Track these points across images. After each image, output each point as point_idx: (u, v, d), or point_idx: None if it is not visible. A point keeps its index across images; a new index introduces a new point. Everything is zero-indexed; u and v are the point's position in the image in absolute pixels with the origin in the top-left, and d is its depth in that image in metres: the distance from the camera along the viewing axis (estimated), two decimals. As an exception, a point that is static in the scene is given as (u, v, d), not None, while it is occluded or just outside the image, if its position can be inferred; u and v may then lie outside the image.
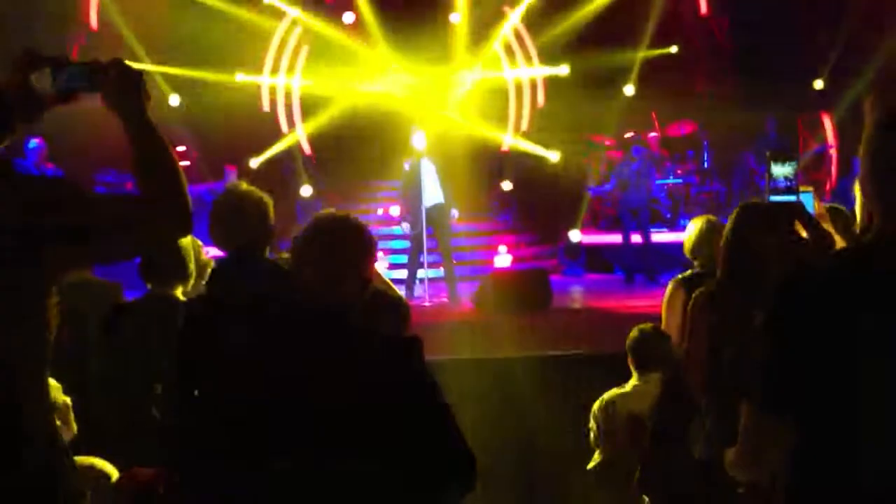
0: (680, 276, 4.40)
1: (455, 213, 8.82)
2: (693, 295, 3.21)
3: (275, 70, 12.67)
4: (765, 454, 1.66)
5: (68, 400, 3.06)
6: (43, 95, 1.75)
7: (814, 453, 1.55)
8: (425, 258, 8.79)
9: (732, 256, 2.97)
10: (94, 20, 11.97)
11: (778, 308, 1.57)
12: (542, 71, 12.84)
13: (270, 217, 2.99)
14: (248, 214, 2.92)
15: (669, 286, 4.28)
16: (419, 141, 8.59)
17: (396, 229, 9.75)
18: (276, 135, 12.75)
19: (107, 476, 2.57)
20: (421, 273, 8.91)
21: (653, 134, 11.38)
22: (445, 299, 8.64)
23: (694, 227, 4.32)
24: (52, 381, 2.40)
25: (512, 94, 13.02)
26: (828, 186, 11.82)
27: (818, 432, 1.54)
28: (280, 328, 2.15)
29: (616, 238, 11.26)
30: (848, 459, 1.51)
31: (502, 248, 10.21)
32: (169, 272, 3.31)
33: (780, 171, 2.31)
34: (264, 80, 12.56)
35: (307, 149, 12.72)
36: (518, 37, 12.97)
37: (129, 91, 1.74)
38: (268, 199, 3.00)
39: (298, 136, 12.76)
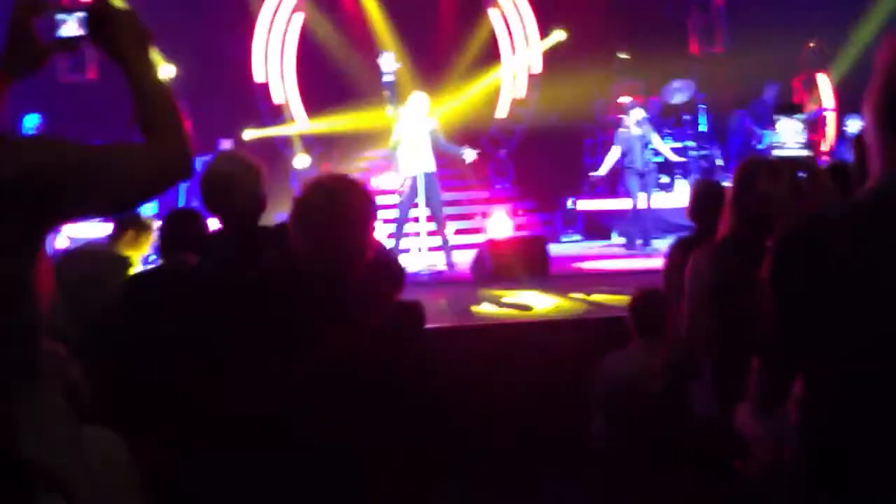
0: (678, 239, 4.41)
1: (470, 152, 8.64)
2: (693, 255, 3.20)
3: (267, 38, 12.54)
4: (777, 407, 1.64)
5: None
6: (45, 44, 1.70)
7: (830, 402, 1.53)
8: (423, 227, 8.74)
9: (740, 210, 2.95)
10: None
11: (785, 258, 1.54)
12: (538, 42, 12.73)
13: (262, 184, 2.95)
14: (239, 181, 2.88)
15: (668, 249, 4.30)
16: (418, 105, 8.44)
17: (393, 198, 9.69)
18: (271, 105, 12.67)
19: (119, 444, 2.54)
20: (414, 242, 8.87)
21: (651, 98, 11.28)
22: (442, 268, 8.60)
23: (693, 190, 4.32)
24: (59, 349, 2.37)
25: (507, 60, 12.92)
26: (824, 148, 11.77)
27: (834, 382, 1.52)
28: (277, 297, 2.12)
29: (613, 204, 11.23)
30: (868, 406, 1.48)
31: (499, 214, 10.15)
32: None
33: (788, 124, 2.27)
34: (257, 55, 12.44)
35: (303, 120, 12.64)
36: (514, 4, 12.84)
37: (134, 42, 1.69)
38: (258, 166, 2.96)
39: (293, 107, 12.67)
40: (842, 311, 1.47)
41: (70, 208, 1.60)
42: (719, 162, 11.80)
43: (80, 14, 1.69)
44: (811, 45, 12.17)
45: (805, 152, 2.20)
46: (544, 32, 12.83)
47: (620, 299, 5.66)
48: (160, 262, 3.49)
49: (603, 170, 10.34)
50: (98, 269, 3.68)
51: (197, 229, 3.38)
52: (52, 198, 1.52)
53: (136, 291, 2.97)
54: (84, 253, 4.03)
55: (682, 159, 11.06)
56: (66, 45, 1.71)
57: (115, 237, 4.18)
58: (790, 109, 2.35)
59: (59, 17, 1.69)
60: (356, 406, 1.96)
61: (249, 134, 12.15)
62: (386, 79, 8.16)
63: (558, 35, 12.49)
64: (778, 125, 2.23)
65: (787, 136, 2.25)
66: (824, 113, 11.60)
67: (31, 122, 8.91)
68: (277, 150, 12.49)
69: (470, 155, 8.64)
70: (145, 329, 2.70)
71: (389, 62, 8.10)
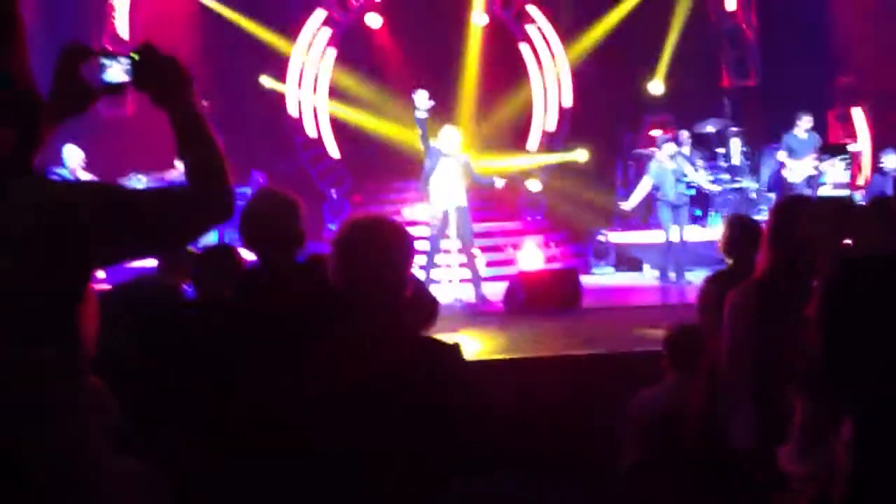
0: (713, 273, 4.38)
1: (500, 181, 8.73)
2: (732, 290, 3.17)
3: (301, 74, 12.72)
4: (822, 445, 1.62)
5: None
6: (91, 88, 1.74)
7: (878, 440, 1.50)
8: (454, 259, 8.75)
9: (781, 248, 2.93)
10: (122, 29, 12.10)
11: (833, 299, 1.53)
12: (568, 72, 12.79)
13: (301, 221, 2.97)
14: (278, 216, 2.91)
15: (703, 284, 4.27)
16: (450, 139, 8.49)
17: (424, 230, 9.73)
18: (303, 136, 12.82)
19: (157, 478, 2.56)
20: (446, 274, 8.87)
21: (683, 132, 11.26)
22: (473, 300, 8.59)
23: (727, 224, 4.30)
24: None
25: (539, 95, 12.98)
26: (860, 182, 11.66)
27: (880, 419, 1.49)
28: (315, 337, 2.13)
29: (645, 236, 11.17)
30: None
31: (530, 245, 10.14)
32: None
33: (833, 165, 2.27)
34: (290, 88, 12.61)
35: (335, 153, 12.77)
36: (544, 37, 12.93)
37: (177, 86, 1.72)
38: (297, 202, 2.98)
39: (325, 139, 12.81)
40: (888, 353, 1.45)
41: (118, 251, 1.63)
42: (753, 195, 11.71)
43: (125, 60, 1.73)
44: (844, 79, 12.11)
45: (846, 192, 2.20)
46: (574, 68, 12.88)
47: (654, 333, 5.61)
48: (196, 295, 3.52)
49: (632, 202, 10.29)
50: (147, 297, 3.72)
51: (232, 263, 3.41)
52: (102, 240, 1.55)
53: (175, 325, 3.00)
54: (134, 284, 4.08)
55: (718, 188, 10.99)
56: (112, 90, 1.76)
57: (163, 267, 4.22)
58: (834, 150, 2.35)
59: (105, 61, 1.73)
60: (396, 440, 1.96)
61: (266, 81, 12.25)
62: (419, 115, 8.23)
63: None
64: (822, 166, 2.23)
65: (831, 177, 2.24)
66: (858, 148, 11.50)
67: (73, 155, 9.00)
68: (310, 180, 12.61)
69: (500, 182, 8.78)
70: (182, 359, 2.72)
71: (423, 100, 8.17)
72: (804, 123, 10.73)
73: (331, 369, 2.03)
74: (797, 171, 10.52)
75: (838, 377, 1.55)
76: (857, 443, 1.56)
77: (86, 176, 8.75)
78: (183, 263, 4.15)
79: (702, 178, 10.45)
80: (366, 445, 1.97)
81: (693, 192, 10.72)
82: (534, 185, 12.39)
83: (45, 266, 1.50)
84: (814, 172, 9.47)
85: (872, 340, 1.49)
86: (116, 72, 1.74)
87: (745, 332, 2.99)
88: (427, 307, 2.93)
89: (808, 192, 9.70)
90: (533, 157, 12.81)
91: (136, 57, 1.73)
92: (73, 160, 8.93)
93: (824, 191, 2.56)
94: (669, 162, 9.88)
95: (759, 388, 2.89)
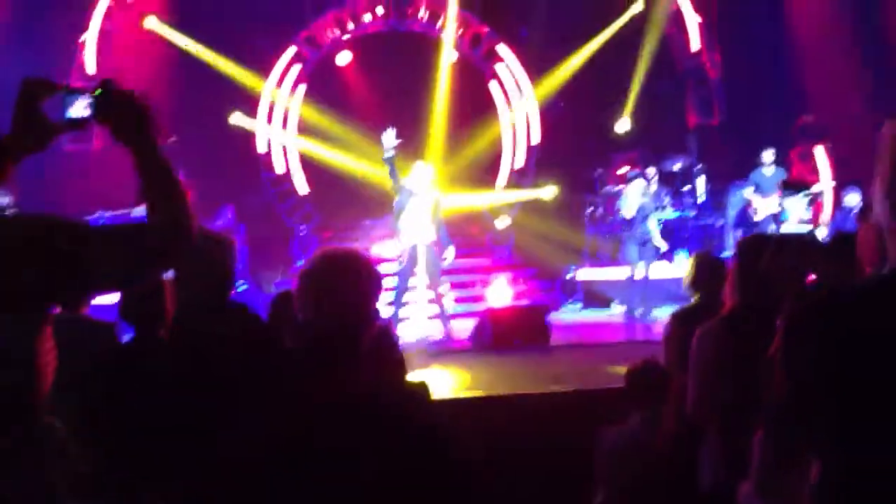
0: (678, 311, 4.40)
1: (452, 252, 8.67)
2: (697, 328, 3.19)
3: (271, 111, 12.73)
4: (783, 485, 1.61)
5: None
6: (52, 124, 1.73)
7: (845, 483, 1.49)
8: (421, 296, 8.73)
9: (745, 287, 2.95)
10: (90, 65, 12.06)
11: (796, 336, 1.53)
12: (536, 109, 12.94)
13: (233, 259, 2.94)
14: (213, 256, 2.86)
15: (668, 320, 4.29)
16: (420, 176, 8.52)
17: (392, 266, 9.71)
18: (272, 173, 12.80)
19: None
20: (413, 311, 8.85)
21: (650, 168, 11.40)
22: (440, 337, 8.56)
23: (693, 261, 4.33)
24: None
25: (508, 133, 13.09)
26: (823, 219, 11.85)
27: (844, 462, 1.49)
28: (284, 369, 2.11)
29: (613, 273, 11.23)
30: (880, 488, 1.45)
31: (499, 282, 10.15)
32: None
33: (794, 202, 2.32)
34: (260, 126, 12.62)
35: (304, 189, 12.75)
36: (513, 76, 13.07)
37: (138, 123, 1.72)
38: (230, 242, 2.96)
39: (294, 176, 12.81)
40: (852, 392, 1.45)
41: (76, 288, 1.61)
42: (718, 232, 11.86)
43: (87, 96, 1.72)
44: (806, 118, 12.36)
45: (807, 228, 2.24)
46: (542, 106, 13.03)
47: (621, 370, 5.62)
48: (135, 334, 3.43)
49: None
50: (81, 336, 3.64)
51: (164, 302, 3.33)
52: (62, 277, 1.53)
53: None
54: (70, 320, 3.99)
55: (663, 245, 10.88)
56: (74, 126, 1.74)
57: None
58: (796, 186, 2.41)
59: (66, 97, 1.72)
60: (361, 479, 1.94)
61: (236, 119, 12.24)
62: (387, 154, 8.27)
63: (549, 191, 12.57)
64: (785, 202, 2.30)
65: (794, 213, 2.30)
66: (820, 190, 11.71)
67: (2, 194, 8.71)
68: (278, 217, 12.58)
69: (451, 255, 8.64)
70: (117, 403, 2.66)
71: (390, 139, 8.23)
72: (767, 157, 10.91)
73: (288, 412, 2.00)
74: (763, 208, 10.68)
75: (802, 418, 1.55)
76: (823, 485, 1.56)
77: (12, 212, 8.51)
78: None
79: (654, 228, 10.36)
80: (333, 482, 1.94)
81: (660, 227, 10.81)
82: (502, 222, 12.45)
83: (3, 302, 1.47)
84: (777, 210, 9.61)
85: (835, 380, 1.49)
86: (78, 107, 1.73)
87: (710, 370, 3.00)
88: (395, 351, 2.91)
89: (772, 228, 9.83)
90: (501, 194, 12.89)
91: (98, 92, 1.72)
92: (2, 198, 8.67)
93: (787, 227, 2.62)
94: (638, 199, 9.96)
95: (726, 428, 2.89)
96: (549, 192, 12.49)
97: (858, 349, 1.46)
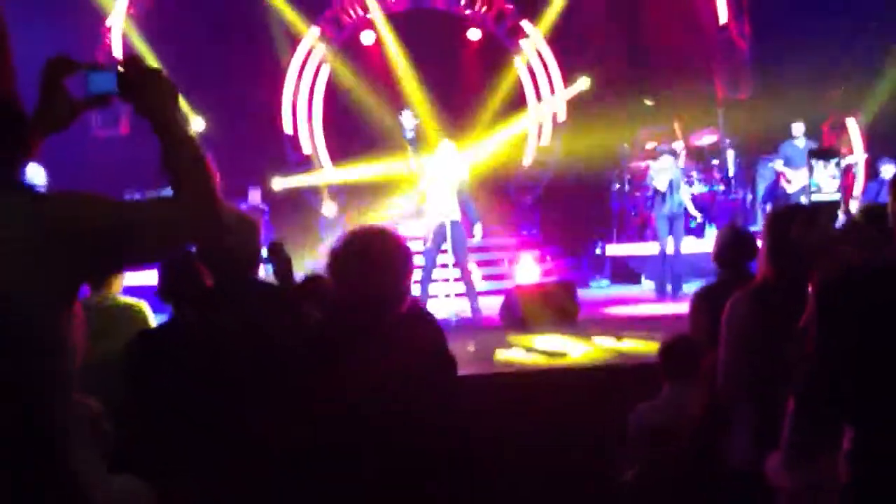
0: (702, 287, 4.35)
1: (479, 229, 8.68)
2: (721, 303, 3.16)
3: (296, 91, 12.76)
4: (815, 456, 1.60)
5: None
6: (76, 101, 1.74)
7: (878, 451, 1.48)
8: (450, 273, 8.74)
9: (776, 258, 2.92)
10: (117, 49, 12.14)
11: (828, 307, 1.51)
12: (563, 91, 12.85)
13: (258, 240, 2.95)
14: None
15: (692, 298, 4.23)
16: (446, 154, 8.50)
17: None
18: (298, 153, 12.84)
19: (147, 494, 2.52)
20: (442, 288, 8.86)
21: (678, 143, 11.28)
22: (468, 314, 8.57)
23: (720, 235, 4.27)
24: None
25: (532, 107, 13.02)
26: (856, 191, 11.69)
27: (882, 430, 1.48)
28: (314, 347, 2.12)
29: (641, 249, 11.17)
30: None
31: (526, 260, 10.12)
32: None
33: (823, 170, 2.28)
34: (286, 105, 12.64)
35: (329, 168, 12.78)
36: (538, 53, 12.98)
37: (163, 99, 1.72)
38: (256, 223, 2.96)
39: (320, 155, 12.84)
40: (883, 360, 1.44)
41: (105, 261, 1.62)
42: (748, 207, 11.74)
43: (111, 72, 1.73)
44: (839, 90, 12.16)
45: (838, 196, 2.20)
46: (569, 80, 12.94)
47: (651, 345, 5.59)
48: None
49: (661, 184, 9.85)
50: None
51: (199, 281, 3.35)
52: (91, 251, 1.54)
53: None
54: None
55: (698, 215, 10.88)
56: (98, 102, 1.75)
57: None
58: (825, 154, 2.35)
59: (90, 74, 1.73)
60: (385, 450, 1.95)
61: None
62: (408, 135, 8.27)
63: (583, 83, 12.61)
64: (815, 172, 2.25)
65: (823, 182, 2.24)
66: (854, 161, 11.54)
67: (37, 174, 8.83)
68: (305, 198, 12.62)
69: (478, 232, 8.67)
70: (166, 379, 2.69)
71: (409, 119, 8.23)
72: (797, 130, 10.77)
73: (322, 391, 2.02)
74: (795, 180, 10.55)
75: (835, 389, 1.53)
76: (857, 454, 1.54)
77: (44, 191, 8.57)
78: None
79: (687, 198, 10.35)
80: (363, 460, 1.96)
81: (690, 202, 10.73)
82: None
83: (35, 279, 1.49)
84: (807, 181, 9.50)
85: (870, 351, 1.48)
86: (101, 83, 1.73)
87: (741, 343, 2.97)
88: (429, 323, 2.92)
89: (802, 200, 9.70)
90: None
91: (121, 68, 1.73)
92: (37, 179, 8.79)
93: (817, 197, 2.57)
94: (666, 173, 9.85)
95: (758, 401, 2.87)
96: (583, 83, 12.47)
97: (887, 320, 1.45)
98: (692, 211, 10.45)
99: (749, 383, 2.94)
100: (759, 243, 3.29)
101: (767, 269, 2.98)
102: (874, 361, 1.48)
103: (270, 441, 2.08)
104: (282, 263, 3.59)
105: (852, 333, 1.50)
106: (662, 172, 9.78)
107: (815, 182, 2.22)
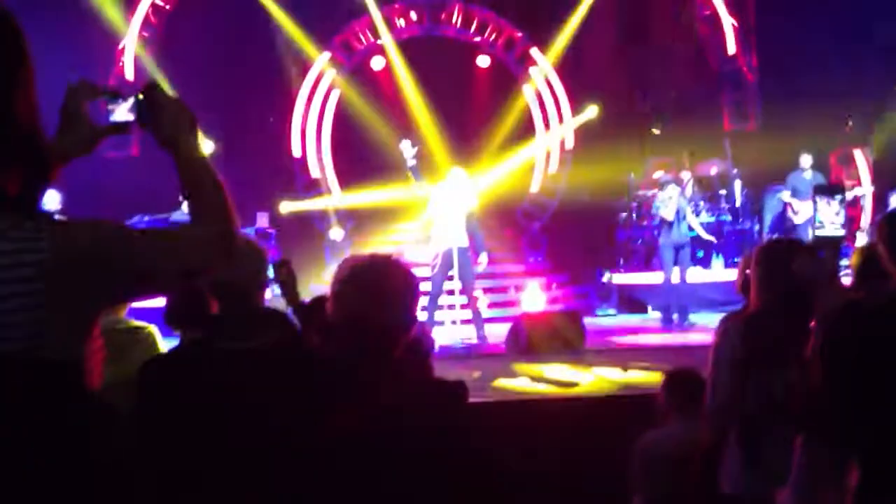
0: (729, 313, 4.31)
1: (485, 258, 8.70)
2: (719, 330, 3.18)
3: (306, 115, 12.84)
4: (822, 489, 1.59)
5: None
6: (96, 127, 1.75)
7: (885, 487, 1.48)
8: (456, 300, 8.74)
9: (772, 288, 2.93)
10: (129, 71, 12.24)
11: (837, 338, 1.51)
12: (571, 119, 12.92)
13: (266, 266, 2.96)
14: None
15: (719, 324, 4.20)
16: (455, 180, 8.53)
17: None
18: (307, 177, 12.89)
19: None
20: (448, 315, 8.85)
21: (685, 173, 11.30)
22: (474, 341, 8.55)
23: (743, 263, 4.26)
24: None
25: (540, 135, 13.07)
26: (863, 224, 11.68)
27: (887, 462, 1.47)
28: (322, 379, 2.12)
29: (648, 278, 11.15)
30: None
31: (533, 287, 10.12)
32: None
33: (827, 206, 2.28)
34: (295, 129, 12.72)
35: (337, 193, 12.83)
36: (547, 81, 13.05)
37: (181, 127, 1.73)
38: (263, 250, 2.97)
39: (328, 180, 12.88)
40: (888, 390, 1.43)
41: (126, 290, 1.63)
42: (756, 237, 11.73)
43: (131, 100, 1.74)
44: (847, 122, 12.18)
45: (842, 233, 2.20)
46: (577, 108, 13.00)
47: (657, 376, 5.57)
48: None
49: (668, 213, 9.81)
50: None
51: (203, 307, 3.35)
52: (109, 279, 1.54)
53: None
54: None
55: (712, 238, 10.97)
56: (118, 129, 1.77)
57: None
58: (830, 190, 2.35)
59: (111, 100, 1.75)
60: (398, 484, 1.93)
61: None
62: (409, 164, 8.35)
63: (591, 111, 12.67)
64: (819, 207, 2.24)
65: (827, 217, 2.25)
66: (862, 193, 11.54)
67: (50, 198, 8.83)
68: (312, 222, 12.66)
69: (484, 261, 8.69)
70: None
71: (408, 148, 8.31)
72: (805, 162, 10.79)
73: (332, 418, 2.01)
74: (802, 211, 10.55)
75: (843, 419, 1.53)
76: (864, 488, 1.54)
77: (62, 219, 8.57)
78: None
79: (698, 224, 10.41)
80: (371, 490, 1.95)
81: (695, 233, 10.73)
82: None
83: (54, 305, 1.49)
84: (812, 214, 9.50)
85: (877, 382, 1.47)
86: (122, 111, 1.75)
87: (733, 371, 2.99)
88: (421, 347, 2.91)
89: (809, 232, 9.70)
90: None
91: (141, 96, 1.74)
92: (51, 203, 8.83)
93: (820, 233, 2.57)
94: (675, 202, 9.85)
95: (748, 427, 2.88)
96: (591, 112, 12.56)
97: (888, 351, 1.45)
98: (704, 235, 10.48)
99: (740, 410, 2.94)
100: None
101: (760, 299, 2.99)
102: (879, 394, 1.48)
103: (283, 468, 2.07)
104: (287, 280, 3.59)
105: (858, 367, 1.50)
106: (669, 201, 9.79)
107: (819, 219, 2.23)
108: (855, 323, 1.53)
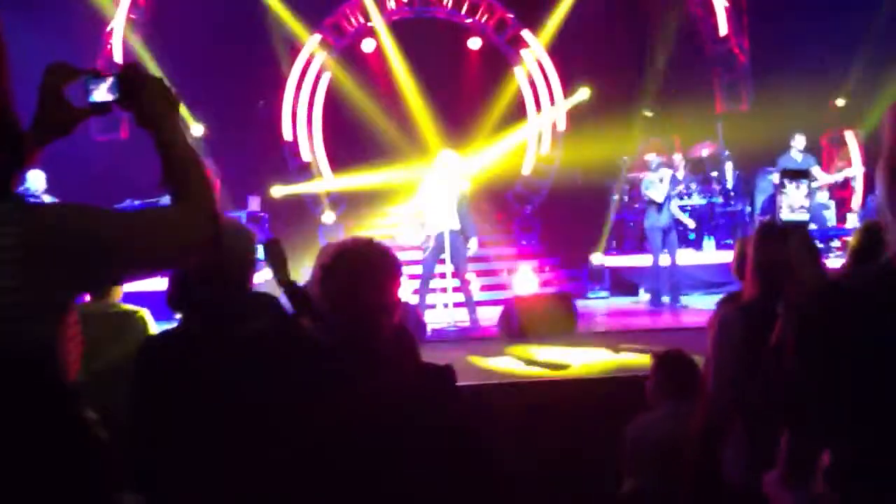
0: (726, 295, 4.31)
1: (475, 243, 8.66)
2: (716, 319, 3.16)
3: (296, 98, 12.78)
4: (806, 473, 1.59)
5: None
6: (76, 109, 1.73)
7: (866, 470, 1.47)
8: (448, 283, 8.74)
9: (761, 275, 2.93)
10: (118, 54, 12.15)
11: (804, 326, 1.49)
12: (563, 101, 12.89)
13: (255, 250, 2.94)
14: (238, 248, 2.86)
15: (717, 307, 4.20)
16: (448, 162, 8.51)
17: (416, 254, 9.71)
18: (298, 161, 12.85)
19: None
20: (440, 298, 8.85)
21: (677, 155, 11.29)
22: (466, 324, 8.56)
23: (738, 246, 4.26)
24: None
25: (532, 117, 13.04)
26: (854, 206, 11.71)
27: (868, 448, 1.46)
28: (305, 362, 2.11)
29: (640, 260, 11.17)
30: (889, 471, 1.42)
31: (525, 270, 10.12)
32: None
33: (794, 190, 2.28)
34: (286, 112, 12.67)
35: (329, 176, 12.79)
36: (538, 63, 13.01)
37: (162, 107, 1.71)
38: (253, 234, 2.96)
39: (320, 163, 12.84)
40: (863, 379, 1.42)
41: (102, 274, 1.61)
42: (747, 219, 11.76)
43: (111, 80, 1.72)
44: (836, 102, 12.19)
45: (804, 217, 2.20)
46: (569, 90, 12.97)
47: (649, 358, 5.59)
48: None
49: (658, 196, 9.82)
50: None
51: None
52: (83, 262, 1.52)
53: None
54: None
55: (693, 224, 10.96)
56: (97, 110, 1.74)
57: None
58: (797, 175, 2.34)
59: (90, 81, 1.72)
60: (394, 469, 1.94)
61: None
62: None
63: (583, 93, 12.65)
64: (787, 189, 2.24)
65: (793, 201, 2.25)
66: (853, 175, 11.56)
67: (36, 179, 8.80)
68: (305, 206, 12.62)
69: (474, 246, 8.64)
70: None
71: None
72: (798, 144, 10.79)
73: (320, 404, 2.01)
74: (791, 198, 10.55)
75: (814, 406, 1.52)
76: (835, 471, 1.53)
77: (49, 199, 8.60)
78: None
79: (680, 213, 10.43)
80: (371, 475, 1.95)
81: (686, 214, 10.74)
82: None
83: (24, 290, 1.48)
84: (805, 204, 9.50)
85: (849, 367, 1.46)
86: (101, 91, 1.73)
87: (734, 360, 2.97)
88: (408, 331, 2.91)
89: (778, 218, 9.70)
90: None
91: (121, 76, 1.72)
92: (37, 184, 8.79)
93: (786, 217, 2.59)
94: (662, 186, 9.85)
95: (750, 417, 2.87)
96: (583, 94, 12.57)
97: (863, 338, 1.43)
98: (685, 220, 10.49)
99: (741, 399, 2.93)
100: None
101: (755, 286, 2.98)
102: (856, 384, 1.47)
103: (278, 454, 2.07)
104: (277, 260, 3.57)
105: (834, 354, 1.48)
106: (659, 184, 9.79)
107: (788, 203, 2.23)
108: (829, 306, 1.51)
